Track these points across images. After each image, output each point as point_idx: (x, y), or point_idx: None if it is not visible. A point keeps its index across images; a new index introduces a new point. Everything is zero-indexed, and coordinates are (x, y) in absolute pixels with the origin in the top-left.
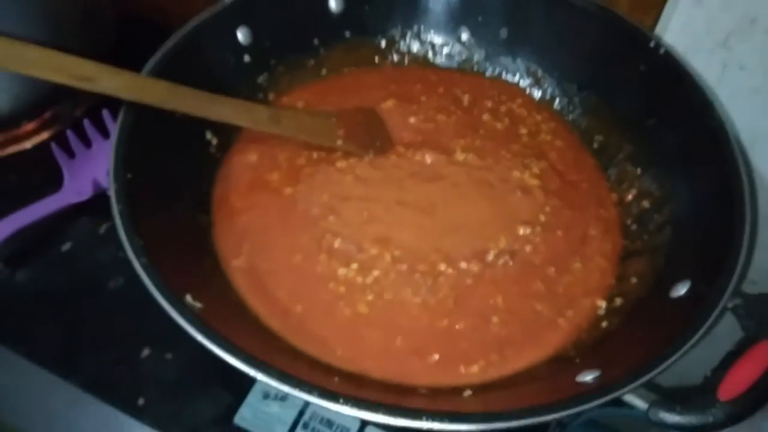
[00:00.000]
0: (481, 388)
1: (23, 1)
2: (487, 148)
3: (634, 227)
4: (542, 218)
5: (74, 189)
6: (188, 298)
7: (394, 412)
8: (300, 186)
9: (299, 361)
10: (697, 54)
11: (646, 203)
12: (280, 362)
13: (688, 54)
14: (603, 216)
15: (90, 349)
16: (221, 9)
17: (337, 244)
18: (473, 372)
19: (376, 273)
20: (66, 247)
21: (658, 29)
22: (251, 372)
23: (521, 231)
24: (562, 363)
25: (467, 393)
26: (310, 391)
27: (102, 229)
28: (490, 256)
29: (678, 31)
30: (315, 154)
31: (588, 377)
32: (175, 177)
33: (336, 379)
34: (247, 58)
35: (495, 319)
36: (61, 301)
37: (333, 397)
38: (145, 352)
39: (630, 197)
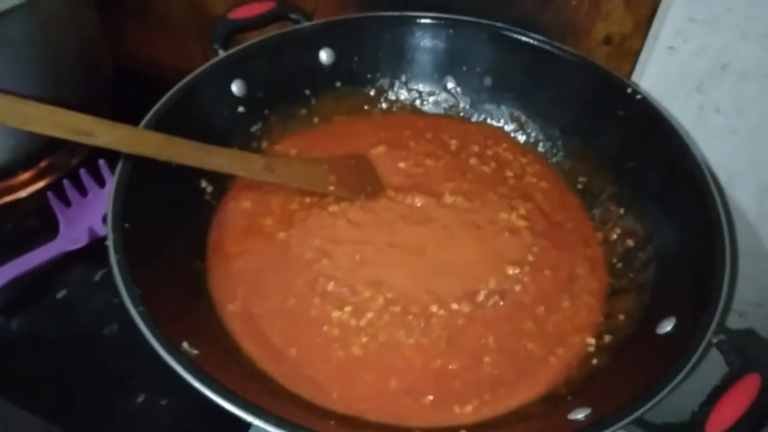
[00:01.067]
0: (476, 428)
1: (23, 59)
2: (475, 191)
3: (619, 265)
4: (530, 258)
5: (70, 237)
6: (185, 345)
7: None
8: (293, 231)
9: (295, 405)
10: (673, 99)
11: (630, 242)
12: (276, 407)
13: (664, 99)
14: (589, 255)
15: (85, 396)
16: (217, 63)
17: (330, 287)
18: (467, 412)
19: (369, 315)
20: (61, 294)
21: (635, 76)
22: (250, 419)
23: (510, 271)
24: (555, 401)
25: None
26: None
27: (97, 276)
28: (481, 297)
29: (654, 78)
30: (307, 199)
31: (580, 415)
32: (171, 225)
33: (332, 422)
34: (241, 108)
35: (487, 358)
36: (57, 349)
37: None
38: (141, 398)
39: (614, 236)
